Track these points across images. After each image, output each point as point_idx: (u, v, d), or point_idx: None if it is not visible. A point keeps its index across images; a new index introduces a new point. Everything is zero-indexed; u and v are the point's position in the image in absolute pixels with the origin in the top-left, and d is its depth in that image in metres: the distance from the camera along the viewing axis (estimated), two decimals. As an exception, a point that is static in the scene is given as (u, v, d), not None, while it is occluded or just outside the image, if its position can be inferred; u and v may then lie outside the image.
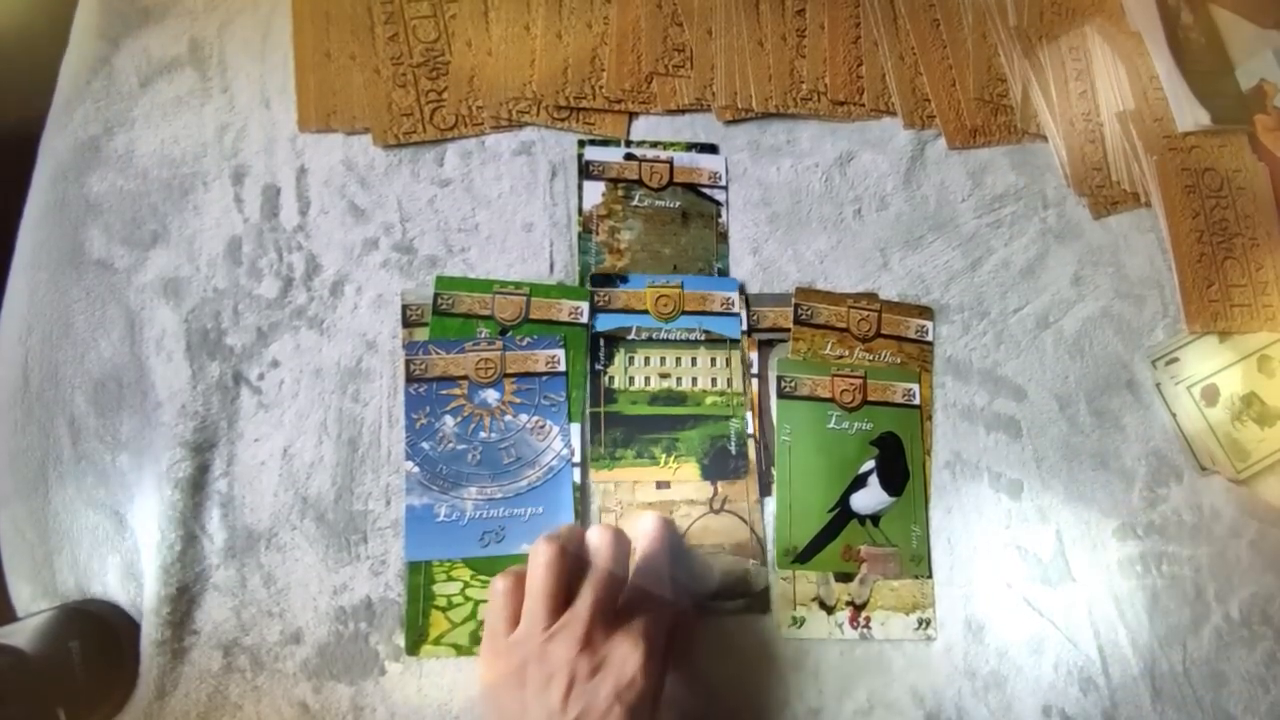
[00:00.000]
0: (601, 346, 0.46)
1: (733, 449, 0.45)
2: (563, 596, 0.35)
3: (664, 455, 0.45)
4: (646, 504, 0.44)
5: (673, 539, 0.43)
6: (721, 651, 0.43)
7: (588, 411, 0.45)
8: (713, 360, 0.46)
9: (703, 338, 0.47)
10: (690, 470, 0.45)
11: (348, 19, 0.49)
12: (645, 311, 0.47)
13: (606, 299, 0.46)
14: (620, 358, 0.46)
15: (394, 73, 0.48)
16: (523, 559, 0.42)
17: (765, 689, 0.43)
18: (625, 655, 0.33)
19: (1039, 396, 0.48)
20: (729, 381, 0.46)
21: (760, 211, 0.49)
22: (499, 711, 0.34)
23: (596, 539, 0.37)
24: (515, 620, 0.35)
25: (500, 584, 0.36)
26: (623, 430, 0.45)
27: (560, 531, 0.37)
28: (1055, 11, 0.55)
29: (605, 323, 0.46)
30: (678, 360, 0.46)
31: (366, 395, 0.44)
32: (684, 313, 0.47)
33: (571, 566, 0.36)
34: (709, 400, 0.46)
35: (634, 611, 0.35)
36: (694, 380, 0.46)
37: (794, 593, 0.44)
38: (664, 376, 0.46)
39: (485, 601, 0.41)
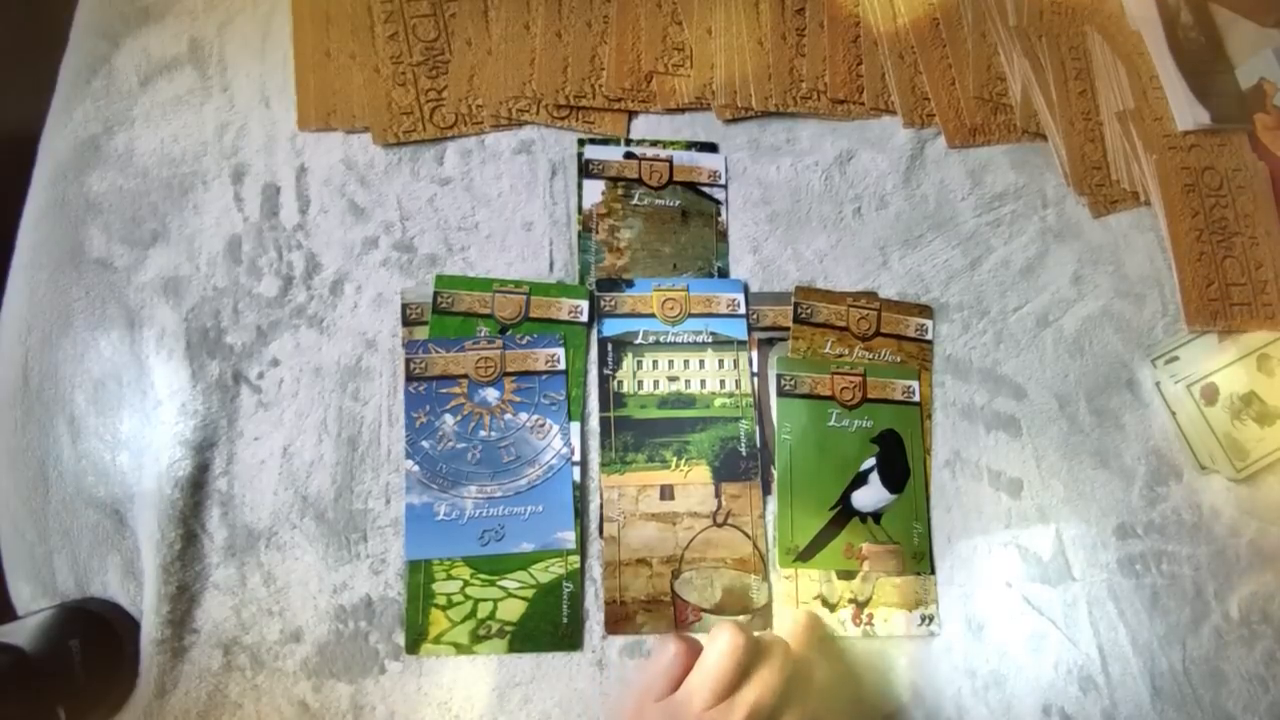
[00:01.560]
0: (610, 351, 0.46)
1: (743, 450, 0.45)
2: (733, 687, 0.35)
3: (675, 458, 0.45)
4: (650, 515, 0.44)
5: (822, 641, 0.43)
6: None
7: (598, 416, 0.45)
8: (720, 362, 0.46)
9: (710, 340, 0.47)
10: (701, 473, 0.45)
11: (348, 18, 0.49)
12: (652, 315, 0.47)
13: (613, 304, 0.46)
14: (628, 362, 0.46)
15: (394, 71, 0.49)
16: (522, 558, 0.42)
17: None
18: None
19: (1039, 395, 0.48)
20: (737, 383, 0.46)
21: (760, 210, 0.49)
22: None
23: (772, 642, 0.37)
24: (674, 686, 0.36)
25: (674, 647, 0.37)
26: (633, 434, 0.45)
27: (746, 624, 0.37)
28: (1055, 11, 0.55)
29: (612, 327, 0.46)
30: (686, 363, 0.46)
31: (366, 394, 0.44)
32: (690, 315, 0.47)
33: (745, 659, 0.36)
34: (718, 402, 0.46)
35: None
36: (702, 382, 0.46)
37: (796, 591, 0.44)
38: (672, 379, 0.46)
39: (485, 599, 0.42)
